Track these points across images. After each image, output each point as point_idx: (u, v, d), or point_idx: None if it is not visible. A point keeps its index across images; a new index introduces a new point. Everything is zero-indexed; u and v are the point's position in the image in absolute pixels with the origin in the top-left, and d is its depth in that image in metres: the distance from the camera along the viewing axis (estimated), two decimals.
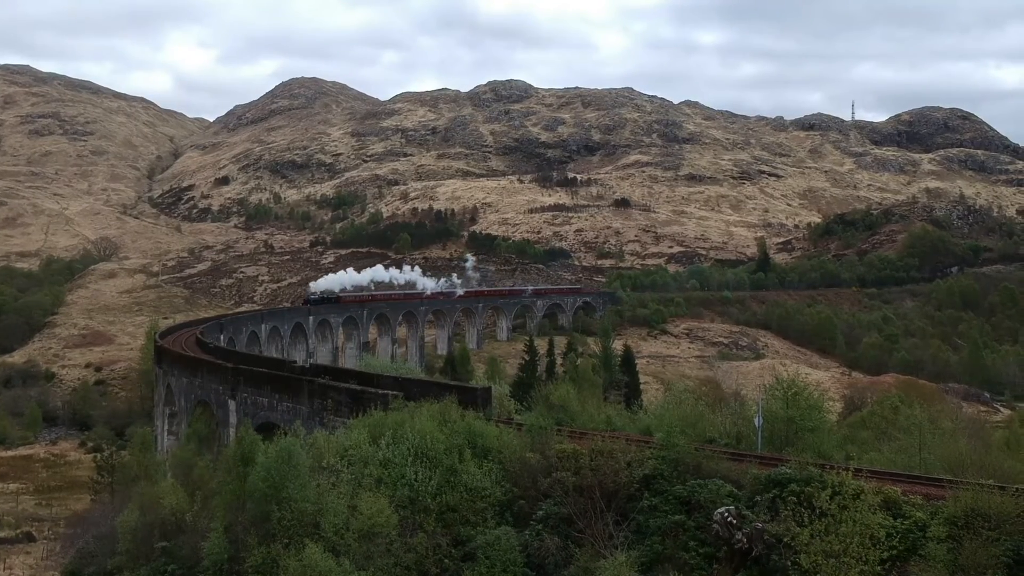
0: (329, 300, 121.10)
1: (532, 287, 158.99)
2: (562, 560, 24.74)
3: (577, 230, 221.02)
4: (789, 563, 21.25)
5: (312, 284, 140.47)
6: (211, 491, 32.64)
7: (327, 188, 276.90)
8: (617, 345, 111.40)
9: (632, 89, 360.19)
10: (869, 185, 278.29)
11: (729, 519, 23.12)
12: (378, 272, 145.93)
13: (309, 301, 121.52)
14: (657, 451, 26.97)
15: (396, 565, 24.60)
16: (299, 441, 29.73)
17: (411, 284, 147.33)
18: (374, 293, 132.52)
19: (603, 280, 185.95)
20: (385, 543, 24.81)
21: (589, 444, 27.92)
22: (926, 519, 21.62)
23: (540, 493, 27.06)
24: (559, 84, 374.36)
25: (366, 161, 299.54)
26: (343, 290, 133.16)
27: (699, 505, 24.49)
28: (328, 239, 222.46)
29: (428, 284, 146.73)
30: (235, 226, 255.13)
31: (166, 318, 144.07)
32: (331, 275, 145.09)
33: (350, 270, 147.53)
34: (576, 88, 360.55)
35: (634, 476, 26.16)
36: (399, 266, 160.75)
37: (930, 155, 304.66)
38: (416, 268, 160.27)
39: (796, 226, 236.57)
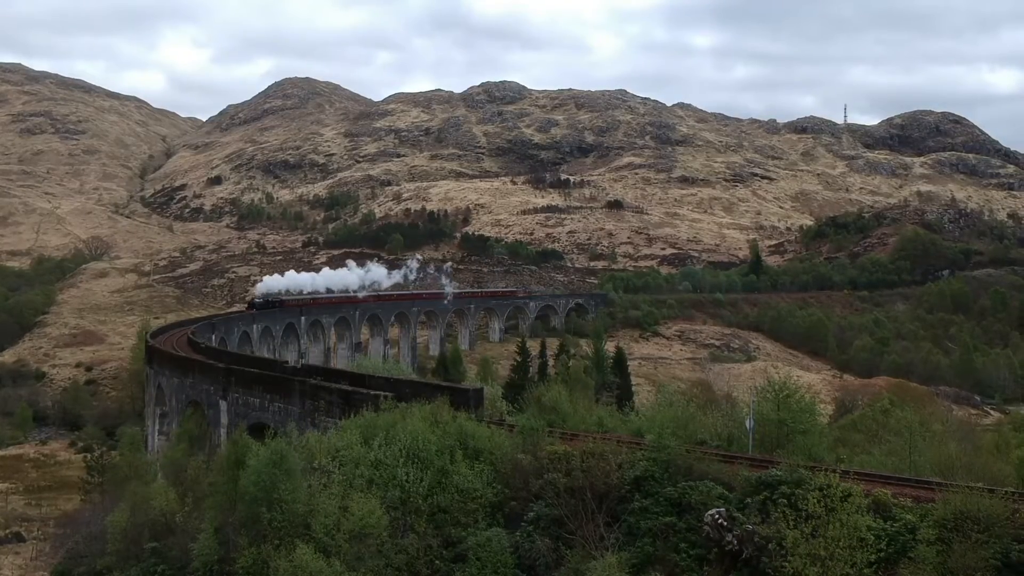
0: (273, 304, 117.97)
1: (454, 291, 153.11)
2: (553, 561, 24.72)
3: (570, 232, 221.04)
4: (771, 570, 21.24)
5: (254, 288, 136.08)
6: (202, 492, 32.54)
7: (320, 188, 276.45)
8: (609, 347, 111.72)
9: (625, 91, 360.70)
10: (861, 188, 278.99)
11: (720, 521, 23.12)
12: (325, 274, 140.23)
13: (253, 305, 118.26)
14: (648, 453, 26.95)
15: (387, 566, 24.56)
16: (290, 443, 29.68)
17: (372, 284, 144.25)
18: (316, 297, 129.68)
19: (595, 282, 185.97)
20: (376, 544, 24.77)
21: (580, 445, 27.92)
22: (916, 521, 21.67)
23: (531, 494, 27.04)
24: (552, 86, 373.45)
25: (359, 161, 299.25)
26: (299, 292, 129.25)
27: (690, 507, 24.49)
28: (321, 239, 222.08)
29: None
30: (227, 226, 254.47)
31: (157, 318, 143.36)
32: (276, 276, 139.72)
33: (314, 272, 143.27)
34: (569, 90, 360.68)
35: (625, 478, 26.16)
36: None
37: (922, 158, 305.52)
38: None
39: (788, 229, 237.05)
